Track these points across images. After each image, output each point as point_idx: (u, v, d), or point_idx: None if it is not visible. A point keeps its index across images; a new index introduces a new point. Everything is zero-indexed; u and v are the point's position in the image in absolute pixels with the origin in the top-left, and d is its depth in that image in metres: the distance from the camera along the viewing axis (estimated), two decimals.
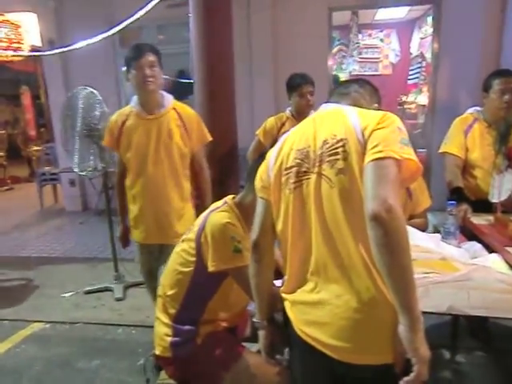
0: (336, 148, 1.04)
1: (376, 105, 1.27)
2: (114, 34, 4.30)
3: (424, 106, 6.31)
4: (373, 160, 0.97)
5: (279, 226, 1.17)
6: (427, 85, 5.90)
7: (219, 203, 1.61)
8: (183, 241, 1.59)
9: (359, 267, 1.00)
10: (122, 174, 2.27)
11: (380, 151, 0.97)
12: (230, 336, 1.62)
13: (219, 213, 1.53)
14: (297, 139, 1.15)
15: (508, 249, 1.55)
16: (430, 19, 5.78)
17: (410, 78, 7.71)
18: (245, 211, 1.57)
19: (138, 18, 3.84)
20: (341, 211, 1.02)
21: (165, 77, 6.10)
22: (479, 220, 1.98)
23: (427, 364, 0.91)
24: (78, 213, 5.97)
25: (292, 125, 2.80)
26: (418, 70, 7.17)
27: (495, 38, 4.79)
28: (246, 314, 1.77)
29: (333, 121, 1.11)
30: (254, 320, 1.31)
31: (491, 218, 1.93)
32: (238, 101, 2.84)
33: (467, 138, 2.32)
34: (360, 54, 7.68)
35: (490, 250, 1.67)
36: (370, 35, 7.86)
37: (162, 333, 1.56)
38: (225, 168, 2.78)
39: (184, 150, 2.18)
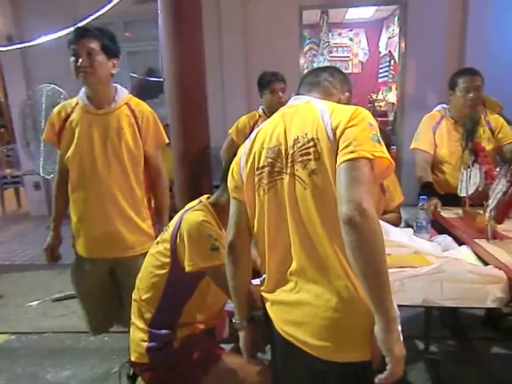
0: (307, 148, 1.03)
1: (347, 93, 1.26)
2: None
3: (393, 103, 6.45)
4: (345, 161, 0.96)
5: (255, 227, 1.15)
6: (396, 83, 6.03)
7: (194, 203, 1.59)
8: (158, 242, 1.55)
9: (336, 267, 1.00)
10: (62, 174, 1.93)
11: (352, 151, 0.96)
12: (207, 338, 1.60)
13: (194, 212, 1.50)
14: (268, 137, 1.13)
15: (476, 240, 1.60)
16: (396, 19, 5.91)
17: (379, 76, 7.87)
18: (220, 210, 1.55)
19: (103, 14, 3.75)
20: (315, 212, 1.01)
21: (133, 75, 5.94)
22: (449, 214, 2.03)
23: (401, 363, 0.93)
24: (44, 217, 5.68)
25: None
26: (387, 69, 7.33)
27: (458, 38, 4.95)
28: (223, 314, 1.75)
29: (303, 117, 1.09)
30: (234, 320, 1.29)
31: (460, 211, 1.98)
32: (209, 99, 2.81)
33: (435, 135, 2.38)
34: (330, 52, 7.77)
35: (460, 242, 1.71)
36: (339, 34, 7.98)
37: (138, 338, 1.51)
38: (197, 168, 2.74)
39: (136, 152, 1.90)
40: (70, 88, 1.91)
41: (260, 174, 1.12)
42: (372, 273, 0.90)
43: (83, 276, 1.97)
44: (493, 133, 2.31)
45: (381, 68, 7.80)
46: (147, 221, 1.97)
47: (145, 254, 1.83)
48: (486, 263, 1.45)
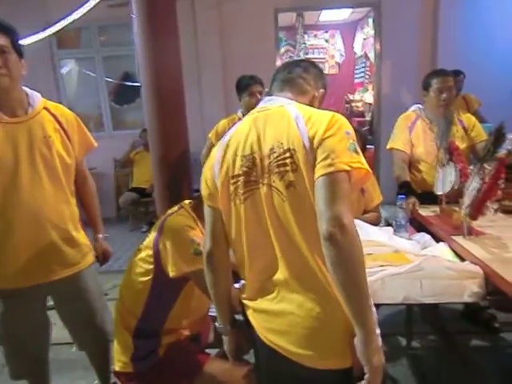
0: (284, 158, 1.01)
1: (322, 90, 1.22)
2: (50, 36, 4.09)
3: (370, 103, 6.54)
4: (323, 175, 0.95)
5: (232, 235, 1.14)
6: (372, 83, 6.12)
7: (175, 208, 1.58)
8: (140, 249, 1.54)
9: (318, 277, 1.01)
10: None
11: (330, 164, 0.95)
12: (192, 345, 1.59)
13: (176, 217, 1.50)
14: (241, 144, 1.10)
15: (453, 237, 1.64)
16: (371, 21, 6.00)
17: (355, 77, 7.98)
18: (202, 215, 1.53)
19: (77, 19, 3.69)
20: (294, 224, 1.01)
21: (109, 80, 5.87)
22: (426, 212, 2.08)
23: (379, 373, 0.95)
24: None
25: None
26: (363, 70, 7.44)
27: (430, 38, 5.07)
28: (207, 319, 1.74)
29: (277, 124, 1.06)
30: (217, 325, 1.30)
31: (437, 209, 2.03)
32: (187, 103, 2.80)
33: (412, 135, 2.43)
34: (307, 54, 7.83)
35: (438, 239, 1.75)
36: (315, 36, 8.05)
37: (122, 348, 1.50)
38: (177, 172, 2.72)
39: (68, 160, 1.67)
40: (42, 94, 1.71)
41: (235, 182, 1.10)
42: (352, 287, 0.92)
43: (11, 312, 1.66)
44: (466, 131, 2.37)
45: (357, 69, 7.91)
46: (82, 232, 1.79)
47: (88, 268, 1.77)
48: (462, 259, 1.49)
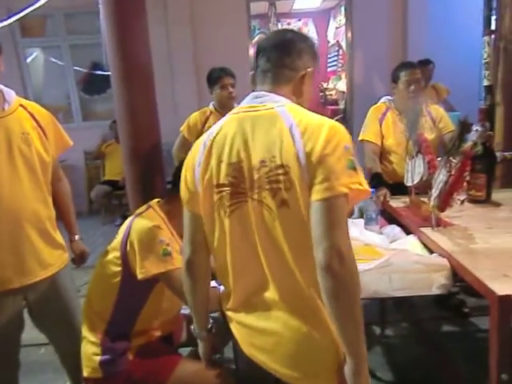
0: (277, 174, 0.93)
1: (310, 69, 1.07)
2: (12, 23, 3.91)
3: (344, 92, 6.57)
4: (321, 199, 0.88)
5: (214, 243, 1.08)
6: (345, 72, 6.15)
7: (143, 208, 1.54)
8: (107, 251, 1.50)
9: (309, 303, 0.99)
10: None
11: (329, 188, 0.88)
12: (164, 346, 1.57)
13: (143, 217, 1.46)
14: (226, 148, 1.01)
15: (422, 229, 1.66)
16: (343, 9, 6.00)
17: (329, 65, 7.98)
18: (171, 215, 1.52)
19: (41, 6, 3.54)
20: (286, 245, 0.96)
21: (77, 69, 5.68)
22: (397, 203, 2.10)
23: None
24: None
25: (216, 119, 2.76)
26: (336, 58, 7.44)
27: (400, 28, 5.12)
28: (179, 318, 1.72)
29: (268, 133, 0.96)
30: (192, 329, 1.28)
31: (407, 200, 2.06)
32: (158, 95, 2.74)
33: (382, 126, 2.45)
34: None
35: (408, 231, 1.78)
36: (288, 24, 8.00)
37: (90, 352, 1.46)
38: (149, 165, 2.67)
39: (46, 158, 1.63)
40: (5, 83, 1.64)
41: (220, 192, 1.02)
42: (347, 318, 0.90)
43: None
44: (434, 122, 2.41)
45: (329, 57, 7.91)
46: (58, 232, 1.74)
47: (64, 268, 1.73)
48: (431, 251, 1.52)
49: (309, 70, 1.07)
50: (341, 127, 0.95)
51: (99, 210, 5.12)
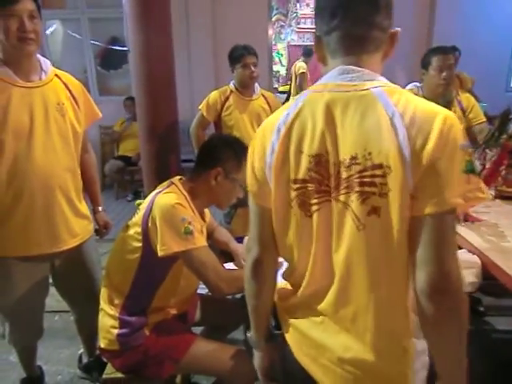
0: (372, 176, 0.76)
1: (397, 29, 0.85)
2: None
3: None
4: (430, 215, 0.73)
5: (287, 244, 0.93)
6: None
7: (165, 184, 1.51)
8: (128, 226, 1.47)
9: (390, 322, 0.85)
10: None
11: (440, 202, 0.72)
12: (179, 324, 1.56)
13: (166, 194, 1.42)
14: (307, 136, 0.83)
15: None
16: None
17: None
18: (193, 193, 1.49)
19: None
20: (372, 260, 0.80)
21: (96, 43, 5.65)
22: None
23: None
24: None
25: (236, 98, 2.71)
26: None
27: (427, 14, 4.96)
28: (195, 298, 1.71)
29: (363, 121, 0.77)
30: (249, 336, 1.14)
31: None
32: (176, 72, 2.68)
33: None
34: (298, 24, 7.63)
35: None
36: (307, 5, 7.82)
37: (108, 325, 1.46)
38: (165, 143, 2.64)
39: (78, 129, 1.67)
40: None
41: (299, 189, 0.85)
42: (447, 353, 0.80)
43: (16, 281, 1.63)
44: (464, 113, 2.33)
45: None
46: (83, 202, 1.79)
47: (90, 239, 1.80)
48: (459, 246, 1.47)
49: (397, 29, 0.85)
50: (455, 119, 0.76)
51: (112, 185, 5.12)
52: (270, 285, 1.04)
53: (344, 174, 0.79)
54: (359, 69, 0.81)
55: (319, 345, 0.92)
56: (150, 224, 1.38)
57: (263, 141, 0.90)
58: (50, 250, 1.63)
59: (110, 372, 1.51)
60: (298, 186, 0.85)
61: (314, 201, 0.84)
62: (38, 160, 1.53)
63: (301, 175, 0.84)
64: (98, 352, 1.95)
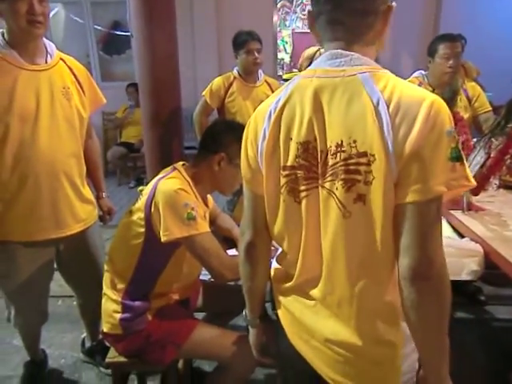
0: (357, 164, 0.76)
1: (393, 3, 0.81)
2: None
3: None
4: (413, 203, 0.73)
5: (276, 229, 0.94)
6: None
7: (168, 169, 1.50)
8: (131, 211, 1.47)
9: (375, 309, 0.86)
10: None
11: (424, 190, 0.71)
12: (182, 309, 1.57)
13: (169, 179, 1.42)
14: (295, 123, 0.83)
15: (452, 212, 1.61)
16: None
17: None
18: (196, 179, 1.48)
19: None
20: (358, 248, 0.81)
21: (98, 28, 5.59)
22: None
23: None
24: None
25: (240, 85, 2.69)
26: None
27: (433, 1, 4.88)
28: (197, 284, 1.72)
29: (349, 108, 0.76)
30: (245, 315, 1.17)
31: None
32: (179, 59, 2.66)
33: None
34: (303, 10, 7.52)
35: None
36: None
37: (111, 309, 1.46)
38: (168, 129, 2.63)
39: (83, 114, 1.66)
40: None
41: (289, 175, 0.86)
42: (429, 336, 0.80)
43: (21, 265, 1.64)
44: (470, 101, 2.30)
45: None
46: (87, 188, 1.79)
47: (94, 224, 1.80)
48: (461, 235, 1.47)
49: (391, 4, 0.81)
50: (443, 104, 0.74)
51: (114, 172, 5.12)
52: (263, 268, 1.06)
53: (330, 162, 0.80)
54: (348, 53, 0.80)
55: (310, 327, 0.93)
56: (152, 209, 1.37)
57: (255, 128, 0.91)
58: (54, 235, 1.63)
59: (112, 356, 1.52)
60: (287, 172, 0.86)
61: (303, 187, 0.85)
62: (43, 144, 1.52)
63: (290, 162, 0.85)
64: (100, 336, 1.97)
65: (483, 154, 1.48)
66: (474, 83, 2.45)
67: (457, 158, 0.73)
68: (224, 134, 1.50)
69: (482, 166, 1.49)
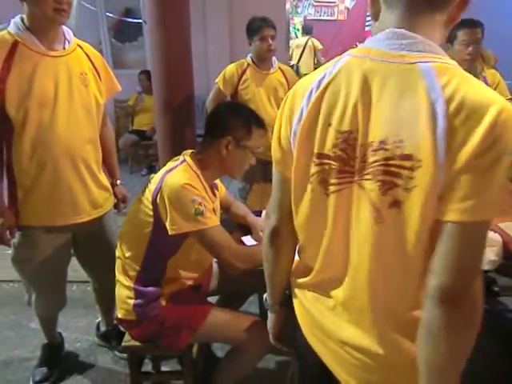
0: (400, 167, 0.67)
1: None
2: None
3: None
4: (458, 223, 0.64)
5: (298, 218, 0.89)
6: None
7: (177, 161, 1.47)
8: (140, 200, 1.46)
9: (399, 323, 0.80)
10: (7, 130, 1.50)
11: (474, 210, 0.62)
12: (195, 294, 1.58)
13: (176, 173, 1.40)
14: (339, 109, 0.74)
15: None
16: None
17: (366, 24, 7.60)
18: (205, 164, 1.47)
19: None
20: (387, 256, 0.74)
21: (109, 15, 5.58)
22: None
23: None
24: None
25: (253, 72, 2.67)
26: None
27: None
28: (210, 268, 1.72)
29: (401, 101, 0.67)
30: (264, 300, 1.15)
31: None
32: (192, 46, 2.64)
33: None
34: None
35: None
36: None
37: (124, 295, 1.48)
38: (181, 117, 2.63)
39: (100, 100, 1.68)
40: None
41: (321, 164, 0.78)
42: (443, 367, 0.72)
43: (41, 249, 1.66)
44: None
45: (368, 15, 7.52)
46: (103, 174, 1.81)
47: (110, 211, 1.83)
48: None
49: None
50: (510, 113, 0.62)
51: (126, 159, 5.14)
52: (287, 255, 1.01)
53: (370, 159, 0.71)
54: (412, 34, 0.69)
55: (328, 329, 0.89)
56: (159, 202, 1.37)
57: (292, 105, 0.83)
58: (73, 221, 1.65)
59: (128, 340, 1.55)
60: (321, 161, 0.78)
61: (335, 181, 0.78)
62: (61, 130, 1.54)
63: (326, 150, 0.77)
64: (115, 322, 2.00)
65: None
66: (493, 70, 2.40)
67: None
68: (229, 117, 1.48)
69: None
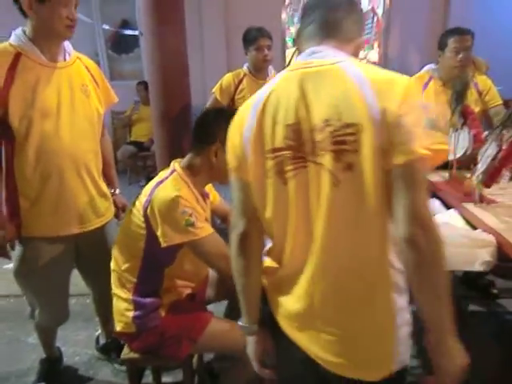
0: (343, 134, 0.80)
1: (361, 39, 0.98)
2: None
3: (375, 62, 6.34)
4: (401, 165, 0.77)
5: (266, 214, 0.95)
6: (378, 41, 5.91)
7: (167, 172, 1.46)
8: (132, 213, 1.46)
9: (363, 278, 0.88)
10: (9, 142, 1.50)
11: (409, 152, 0.77)
12: (194, 304, 1.58)
13: (167, 186, 1.39)
14: (281, 108, 0.87)
15: (464, 204, 1.60)
16: None
17: None
18: (194, 171, 1.46)
19: None
20: (350, 215, 0.84)
21: (106, 27, 5.62)
22: (435, 177, 2.03)
23: (447, 378, 0.87)
24: None
25: (250, 81, 2.70)
26: (370, 26, 7.14)
27: None
28: (207, 278, 1.73)
29: (334, 88, 0.83)
30: (241, 324, 1.09)
31: (447, 174, 1.98)
32: (189, 57, 2.67)
33: (422, 96, 2.34)
34: None
35: (448, 206, 1.72)
36: None
37: (122, 308, 1.47)
38: (178, 127, 2.65)
39: (100, 111, 1.71)
40: None
41: (276, 157, 0.89)
42: (431, 292, 0.82)
43: (44, 261, 1.64)
44: (480, 95, 2.29)
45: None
46: (104, 183, 1.81)
47: (111, 220, 1.83)
48: (474, 227, 1.47)
49: (362, 38, 1.00)
50: (413, 83, 0.83)
51: (125, 170, 5.16)
52: (257, 260, 1.04)
53: (318, 137, 0.83)
54: (328, 48, 0.90)
55: (303, 314, 0.95)
56: (150, 215, 1.36)
57: (242, 118, 0.95)
58: (77, 230, 1.65)
59: (127, 352, 1.53)
60: (274, 154, 0.89)
61: (290, 167, 0.88)
62: (65, 140, 1.55)
63: (277, 144, 0.88)
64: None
65: (495, 147, 1.48)
66: (484, 77, 2.43)
67: (432, 126, 0.80)
68: (215, 122, 1.45)
69: (493, 159, 1.48)
